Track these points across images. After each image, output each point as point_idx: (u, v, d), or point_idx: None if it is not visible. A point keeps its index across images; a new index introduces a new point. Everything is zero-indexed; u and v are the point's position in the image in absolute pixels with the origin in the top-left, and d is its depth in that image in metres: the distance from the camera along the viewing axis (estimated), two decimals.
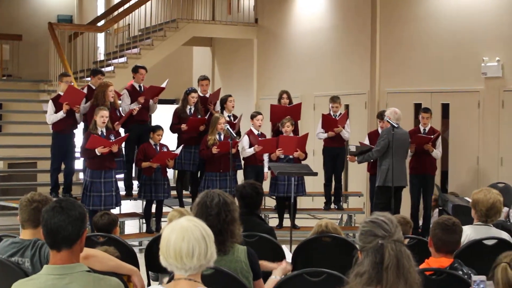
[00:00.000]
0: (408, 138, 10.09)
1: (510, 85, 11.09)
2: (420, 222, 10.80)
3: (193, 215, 4.04)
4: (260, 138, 10.62)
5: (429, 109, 10.89)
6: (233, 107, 11.30)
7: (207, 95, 11.53)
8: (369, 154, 10.12)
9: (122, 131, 10.87)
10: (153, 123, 11.31)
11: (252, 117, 10.89)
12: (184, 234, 3.04)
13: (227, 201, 4.13)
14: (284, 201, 10.86)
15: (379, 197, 9.95)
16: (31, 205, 4.27)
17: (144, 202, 10.73)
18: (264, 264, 4.68)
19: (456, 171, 11.84)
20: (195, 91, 11.03)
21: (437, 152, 10.65)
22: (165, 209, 10.82)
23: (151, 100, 11.07)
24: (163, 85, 11.09)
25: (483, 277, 3.33)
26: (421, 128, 10.78)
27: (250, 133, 10.77)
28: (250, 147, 10.60)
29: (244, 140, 10.68)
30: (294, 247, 5.81)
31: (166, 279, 4.12)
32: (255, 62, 16.09)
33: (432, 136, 10.51)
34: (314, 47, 14.34)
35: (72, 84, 11.06)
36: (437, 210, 10.88)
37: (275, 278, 4.55)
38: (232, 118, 11.27)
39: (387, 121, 9.68)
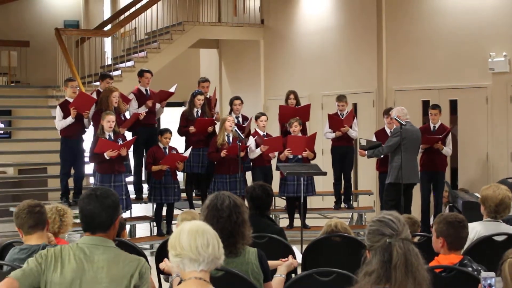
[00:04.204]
0: (419, 135, 10.05)
1: None
2: (431, 219, 10.77)
3: (203, 217, 4.06)
4: (265, 138, 10.63)
5: (438, 106, 10.86)
6: (237, 110, 11.29)
7: (208, 97, 11.52)
8: (379, 149, 10.08)
9: (129, 135, 10.90)
10: (162, 127, 11.30)
11: (256, 118, 10.92)
12: (198, 229, 3.15)
13: (237, 203, 4.13)
14: (294, 201, 10.86)
15: (390, 194, 9.91)
16: (34, 209, 4.53)
17: (155, 205, 10.76)
18: (269, 262, 4.70)
19: (466, 167, 11.82)
20: (201, 93, 11.04)
21: (447, 150, 10.63)
22: (175, 212, 10.84)
23: (158, 104, 11.09)
24: (172, 90, 11.10)
25: (492, 274, 3.33)
26: (431, 125, 10.75)
27: (255, 134, 10.78)
28: (256, 147, 10.61)
29: (250, 142, 10.69)
30: (305, 247, 5.82)
31: (177, 280, 4.14)
32: (262, 63, 16.10)
33: (440, 136, 10.48)
34: (320, 46, 14.34)
35: (78, 88, 11.09)
36: (448, 206, 10.87)
37: (280, 276, 4.55)
38: (240, 120, 11.28)
39: (395, 119, 9.66)
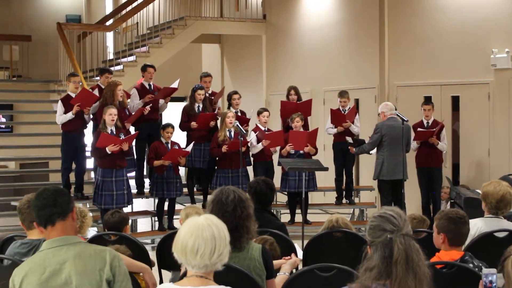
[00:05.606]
0: (406, 131, 10.00)
1: None
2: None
3: (209, 212, 4.06)
4: (266, 133, 10.62)
5: (430, 101, 10.88)
6: (237, 105, 11.21)
7: (210, 92, 11.50)
8: (362, 146, 10.14)
9: (132, 129, 10.90)
10: (164, 122, 11.29)
11: (259, 113, 10.91)
12: (194, 231, 3.06)
13: (242, 197, 4.14)
14: (296, 196, 10.86)
15: (381, 191, 10.00)
16: None
17: (156, 200, 10.77)
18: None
19: (467, 164, 11.81)
20: (201, 88, 11.01)
21: (442, 145, 10.63)
22: (177, 206, 10.86)
23: (161, 100, 11.09)
24: (175, 85, 11.10)
25: (494, 270, 3.32)
26: (424, 121, 10.75)
27: (256, 129, 10.78)
28: (257, 143, 10.61)
29: (252, 137, 10.69)
30: (306, 242, 5.82)
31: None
32: (264, 58, 16.08)
33: (434, 130, 10.47)
34: (322, 42, 14.32)
35: (81, 83, 11.10)
36: (449, 202, 10.86)
37: (284, 274, 4.56)
38: (239, 114, 11.23)
39: (397, 115, 9.65)
